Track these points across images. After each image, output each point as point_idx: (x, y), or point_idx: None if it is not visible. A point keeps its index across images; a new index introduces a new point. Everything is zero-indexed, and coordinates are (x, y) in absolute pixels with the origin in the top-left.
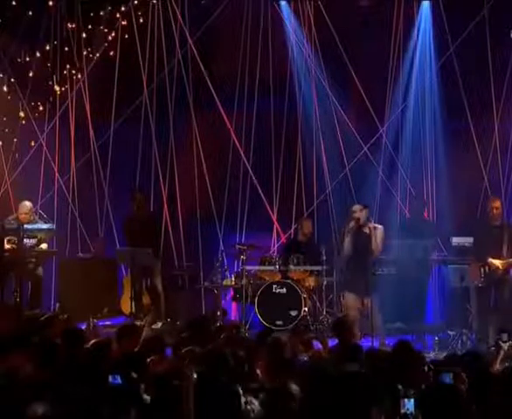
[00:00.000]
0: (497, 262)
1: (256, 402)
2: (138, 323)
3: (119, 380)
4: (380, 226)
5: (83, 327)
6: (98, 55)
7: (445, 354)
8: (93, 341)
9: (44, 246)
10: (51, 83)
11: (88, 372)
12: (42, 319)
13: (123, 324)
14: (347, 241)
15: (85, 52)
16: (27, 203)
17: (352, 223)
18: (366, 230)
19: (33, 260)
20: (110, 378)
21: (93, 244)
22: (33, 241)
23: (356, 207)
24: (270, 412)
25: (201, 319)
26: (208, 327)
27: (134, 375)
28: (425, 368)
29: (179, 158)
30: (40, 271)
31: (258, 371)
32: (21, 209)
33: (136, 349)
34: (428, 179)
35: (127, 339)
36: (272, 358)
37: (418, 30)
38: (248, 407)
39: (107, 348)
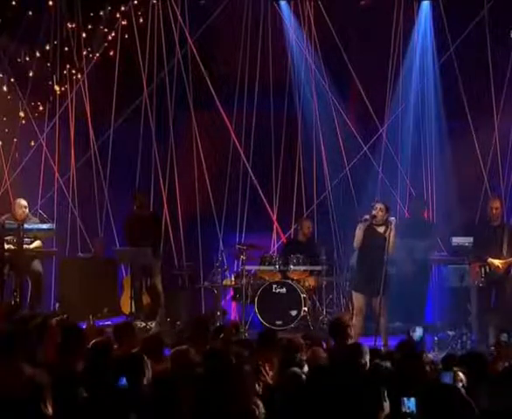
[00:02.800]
0: (497, 262)
1: (261, 404)
2: (142, 324)
3: (124, 381)
4: (392, 218)
5: (83, 327)
6: (98, 55)
7: (444, 354)
8: (93, 341)
9: (37, 243)
10: (50, 83)
11: (90, 372)
12: (38, 319)
13: (118, 324)
14: (357, 231)
15: (85, 52)
16: (22, 200)
17: (368, 218)
18: (380, 230)
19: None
20: (117, 380)
21: (92, 244)
22: (28, 240)
23: (379, 205)
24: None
25: (200, 320)
26: (207, 328)
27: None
28: (428, 368)
29: (179, 158)
30: (40, 268)
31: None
32: (17, 205)
33: (135, 349)
34: (428, 179)
35: (122, 338)
36: (285, 359)
37: (418, 30)
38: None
39: (107, 348)
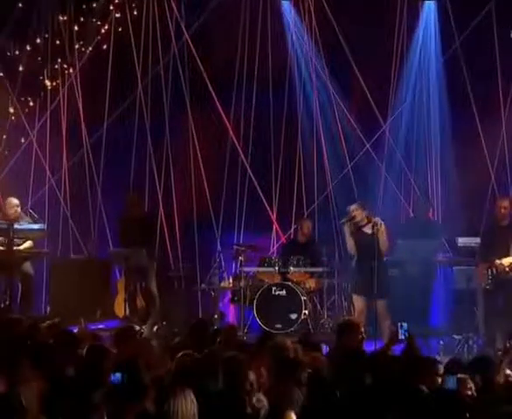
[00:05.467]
0: (505, 262)
1: (265, 400)
2: (137, 328)
3: (119, 378)
4: (381, 221)
5: (75, 331)
6: (90, 49)
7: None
8: (87, 346)
9: (28, 244)
10: (41, 78)
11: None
12: (28, 322)
13: (120, 328)
14: (348, 242)
15: (77, 46)
16: (14, 199)
17: (350, 223)
18: (367, 230)
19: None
20: (111, 376)
21: (86, 246)
22: (19, 241)
23: (352, 206)
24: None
25: (200, 323)
26: (207, 331)
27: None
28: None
29: (175, 156)
30: (31, 270)
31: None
32: (8, 204)
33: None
34: (433, 177)
35: (125, 342)
36: (275, 361)
37: (423, 25)
38: (258, 405)
39: (102, 353)
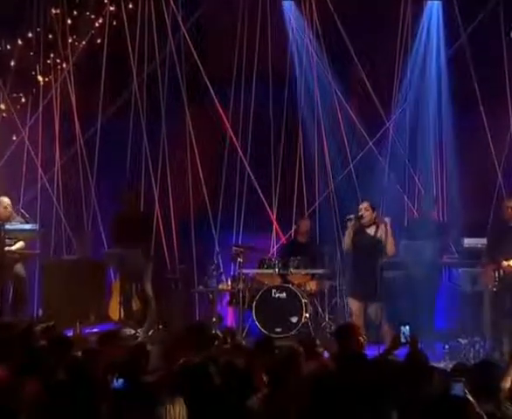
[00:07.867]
0: None
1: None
2: (132, 331)
3: (121, 383)
4: (387, 218)
5: (69, 334)
6: (84, 43)
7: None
8: (81, 350)
9: (20, 245)
10: (34, 73)
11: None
12: (22, 326)
13: (104, 332)
14: (346, 235)
15: (70, 40)
16: (5, 198)
17: (356, 221)
18: (370, 232)
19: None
20: (114, 381)
21: (76, 240)
22: (10, 241)
23: (363, 204)
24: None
25: (198, 326)
26: (204, 335)
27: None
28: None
29: (172, 154)
30: (23, 272)
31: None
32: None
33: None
34: (438, 176)
35: (108, 347)
36: (284, 368)
37: (428, 19)
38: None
39: (96, 357)
